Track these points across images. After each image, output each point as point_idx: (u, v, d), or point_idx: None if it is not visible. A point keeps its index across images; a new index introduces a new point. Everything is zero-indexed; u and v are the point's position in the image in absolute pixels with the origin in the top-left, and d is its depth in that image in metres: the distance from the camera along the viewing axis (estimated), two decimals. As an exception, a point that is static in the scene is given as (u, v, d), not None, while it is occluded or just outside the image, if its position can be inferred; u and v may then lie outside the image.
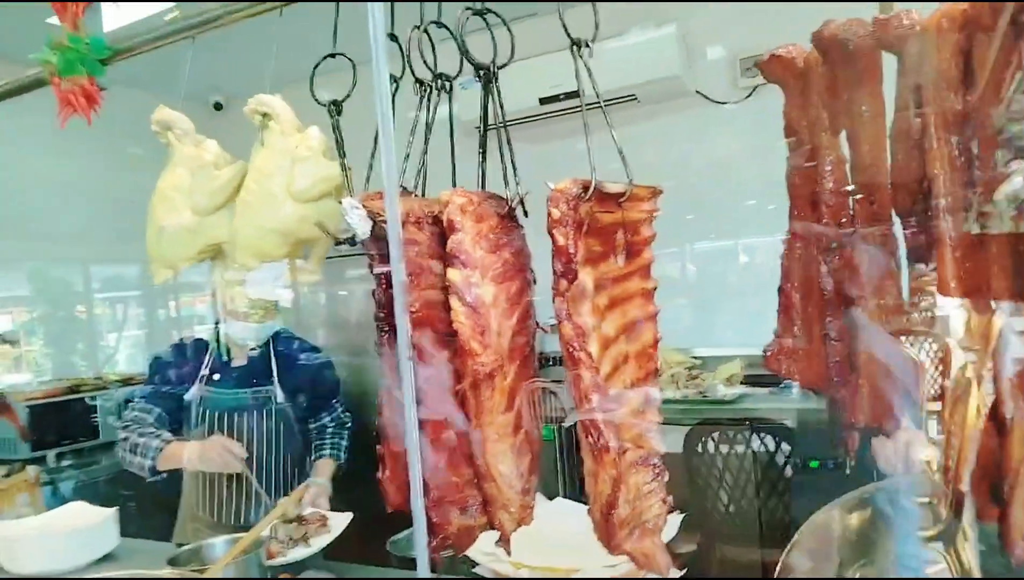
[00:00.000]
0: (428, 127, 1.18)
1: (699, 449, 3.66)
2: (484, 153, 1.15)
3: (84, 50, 1.41)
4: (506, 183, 1.13)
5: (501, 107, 1.13)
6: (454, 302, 1.01)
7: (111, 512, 2.42)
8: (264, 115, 1.30)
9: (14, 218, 4.55)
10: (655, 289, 1.10)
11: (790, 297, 1.03)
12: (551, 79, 4.87)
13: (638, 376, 1.07)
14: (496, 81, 1.14)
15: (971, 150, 0.76)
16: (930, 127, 0.80)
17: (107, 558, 2.35)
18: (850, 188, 0.94)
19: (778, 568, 1.48)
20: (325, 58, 1.24)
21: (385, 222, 1.05)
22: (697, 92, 4.73)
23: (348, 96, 1.22)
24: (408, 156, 1.14)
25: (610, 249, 1.06)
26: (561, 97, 4.89)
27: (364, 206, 1.05)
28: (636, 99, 4.77)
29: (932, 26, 0.81)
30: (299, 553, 2.02)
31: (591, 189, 0.99)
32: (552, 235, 0.97)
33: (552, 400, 5.33)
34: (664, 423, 3.56)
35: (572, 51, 1.05)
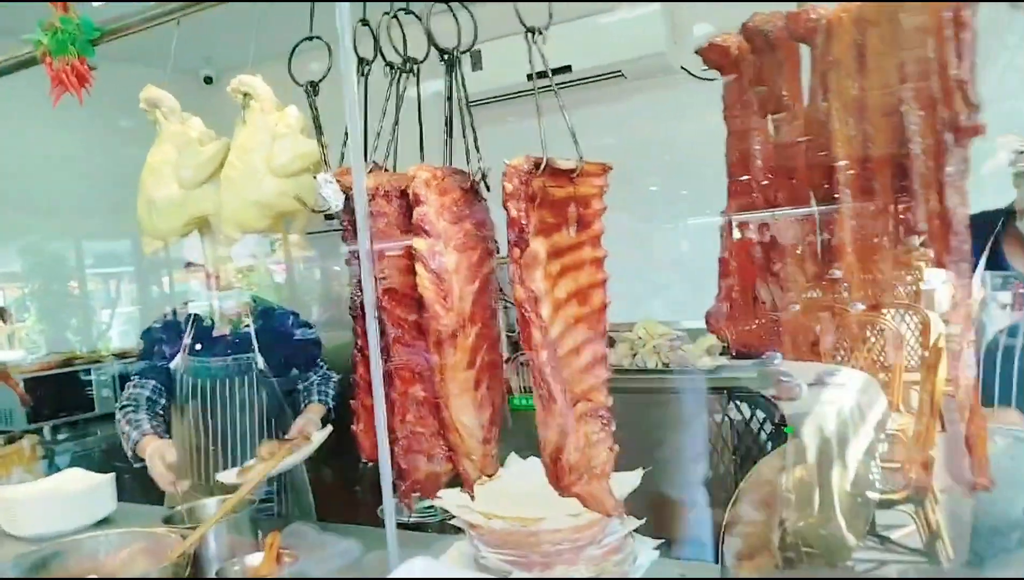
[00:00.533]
0: (397, 107, 1.26)
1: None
2: (450, 131, 1.24)
3: (75, 31, 1.49)
4: (468, 160, 1.21)
5: (464, 89, 1.22)
6: (419, 269, 1.11)
7: (108, 477, 2.52)
8: (245, 95, 1.39)
9: (5, 192, 4.59)
10: (604, 257, 1.20)
11: (727, 266, 1.13)
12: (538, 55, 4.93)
13: (588, 336, 1.17)
14: (460, 64, 1.22)
15: (869, 132, 0.86)
16: (833, 111, 0.90)
17: (104, 521, 2.45)
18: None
19: (726, 517, 1.60)
20: (302, 41, 1.32)
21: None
22: (682, 68, 4.78)
23: (324, 77, 1.31)
24: (380, 133, 1.23)
25: (563, 221, 1.16)
26: (550, 73, 4.95)
27: (337, 180, 1.14)
28: (623, 75, 4.83)
29: (834, 20, 0.90)
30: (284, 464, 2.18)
31: (542, 166, 1.08)
32: (506, 207, 1.07)
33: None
34: (647, 392, 3.65)
35: (526, 37, 1.13)
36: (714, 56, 1.08)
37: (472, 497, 1.24)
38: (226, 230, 1.36)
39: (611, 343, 4.49)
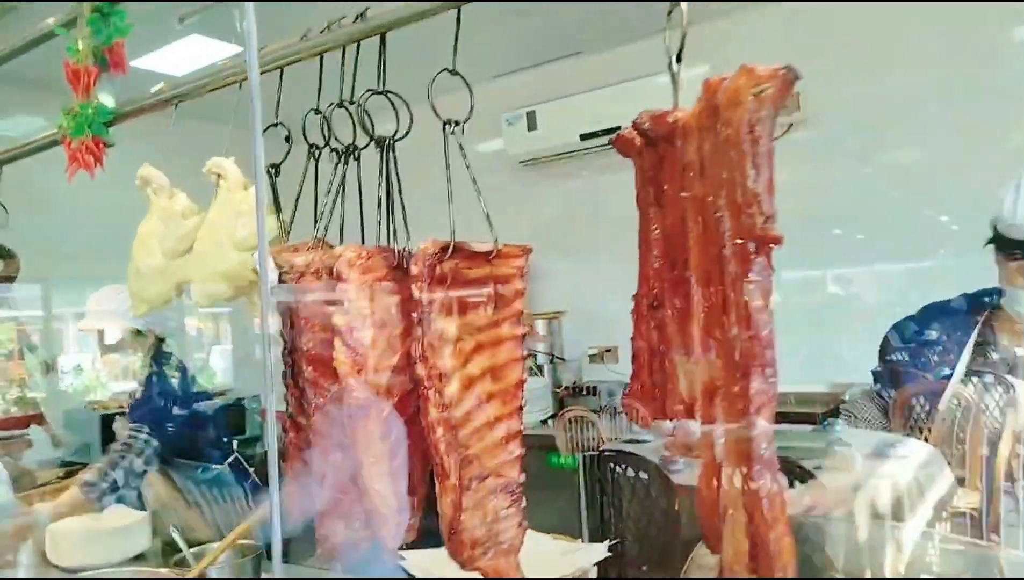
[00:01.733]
0: (340, 189, 1.35)
1: (713, 483, 3.65)
2: (388, 209, 1.31)
3: (91, 115, 1.67)
4: (396, 240, 1.28)
5: (397, 174, 1.30)
6: (337, 343, 1.18)
7: (144, 515, 2.69)
8: (219, 175, 1.52)
9: (118, 240, 5.06)
10: (524, 335, 1.24)
11: (638, 347, 1.15)
12: (592, 116, 5.05)
13: (502, 412, 1.21)
14: (393, 151, 1.30)
15: (710, 226, 0.88)
16: (688, 209, 0.92)
17: (140, 557, 2.60)
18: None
19: (674, 597, 1.58)
20: (268, 128, 1.44)
21: (287, 273, 1.24)
22: (734, 129, 4.78)
23: (284, 160, 1.43)
24: (328, 211, 1.32)
25: (480, 300, 1.21)
26: (600, 133, 5.05)
27: (272, 257, 1.24)
28: (673, 136, 4.84)
29: (686, 123, 0.93)
30: None
31: (450, 249, 1.14)
32: (412, 289, 1.13)
33: (588, 429, 5.41)
34: (683, 456, 3.57)
35: (443, 130, 1.20)
36: (620, 146, 1.12)
37: (391, 563, 1.28)
38: (196, 299, 1.48)
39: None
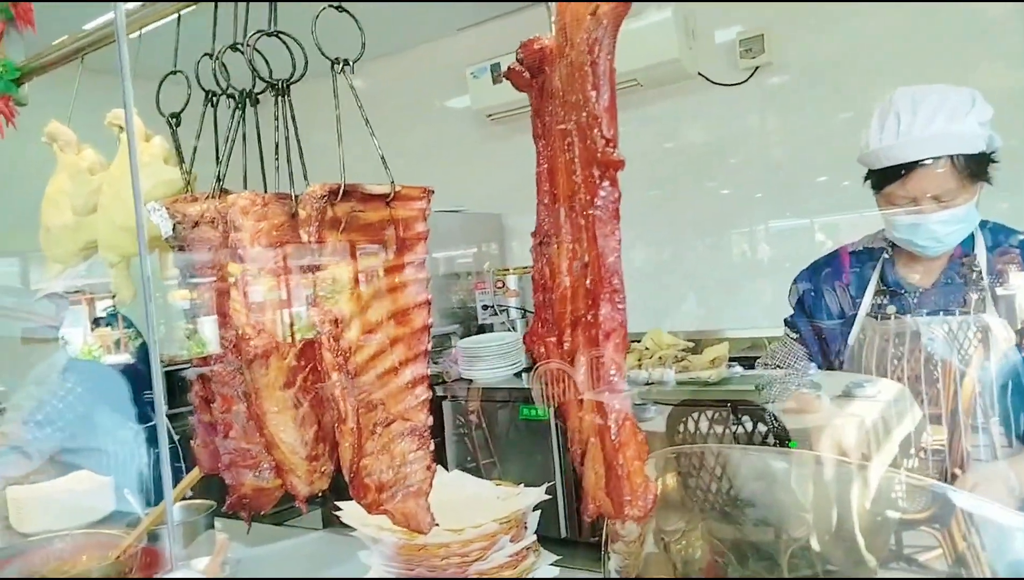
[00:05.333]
0: (236, 136, 1.31)
1: (680, 428, 3.69)
2: (285, 156, 1.27)
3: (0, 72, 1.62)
4: (292, 185, 1.24)
5: (294, 119, 1.26)
6: (233, 292, 1.16)
7: (107, 480, 2.71)
8: (120, 128, 1.48)
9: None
10: (428, 279, 1.22)
11: (535, 284, 1.13)
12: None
13: (407, 356, 1.19)
14: (288, 95, 1.26)
15: (569, 154, 0.85)
16: (558, 139, 0.89)
17: (103, 520, 2.62)
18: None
19: (604, 534, 1.59)
20: (167, 76, 1.40)
21: (181, 223, 1.21)
22: (700, 74, 4.73)
23: (184, 109, 1.39)
24: (226, 160, 1.29)
25: (379, 243, 1.19)
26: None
27: (166, 208, 1.21)
28: (638, 83, 4.80)
29: (548, 51, 0.89)
30: None
31: (340, 192, 1.11)
32: (300, 233, 1.11)
33: (563, 380, 5.41)
34: (655, 403, 3.61)
35: (332, 69, 1.16)
36: (512, 79, 1.09)
37: (304, 512, 1.28)
38: (104, 254, 1.46)
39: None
